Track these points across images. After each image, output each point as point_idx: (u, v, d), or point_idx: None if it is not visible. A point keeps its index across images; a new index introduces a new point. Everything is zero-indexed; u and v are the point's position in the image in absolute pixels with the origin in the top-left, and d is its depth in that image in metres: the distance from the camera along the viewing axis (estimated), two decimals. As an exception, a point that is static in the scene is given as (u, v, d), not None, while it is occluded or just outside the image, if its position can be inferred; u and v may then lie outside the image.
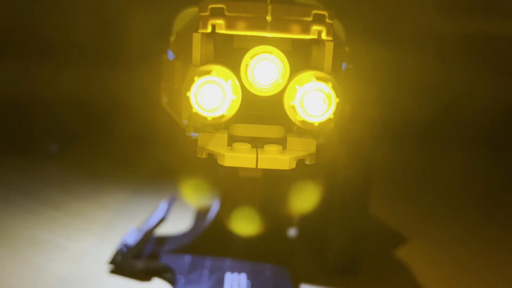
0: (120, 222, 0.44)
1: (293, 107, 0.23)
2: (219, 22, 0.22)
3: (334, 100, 0.23)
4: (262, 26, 0.22)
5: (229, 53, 0.25)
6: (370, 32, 0.71)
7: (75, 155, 0.60)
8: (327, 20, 0.23)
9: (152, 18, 0.79)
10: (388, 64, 0.71)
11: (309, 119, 0.23)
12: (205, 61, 0.25)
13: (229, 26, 0.22)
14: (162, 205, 0.39)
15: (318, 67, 0.24)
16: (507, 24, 0.68)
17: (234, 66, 0.24)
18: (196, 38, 0.25)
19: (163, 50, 0.33)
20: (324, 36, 0.23)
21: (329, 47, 0.24)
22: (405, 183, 0.57)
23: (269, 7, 0.22)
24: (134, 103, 0.68)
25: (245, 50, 0.24)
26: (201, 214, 0.42)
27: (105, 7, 0.80)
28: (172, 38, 0.30)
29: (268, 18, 0.22)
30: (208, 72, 0.23)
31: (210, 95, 0.23)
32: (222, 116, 0.23)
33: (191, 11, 0.31)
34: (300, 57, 0.25)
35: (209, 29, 0.23)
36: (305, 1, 0.27)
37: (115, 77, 0.73)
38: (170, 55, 0.32)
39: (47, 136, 0.62)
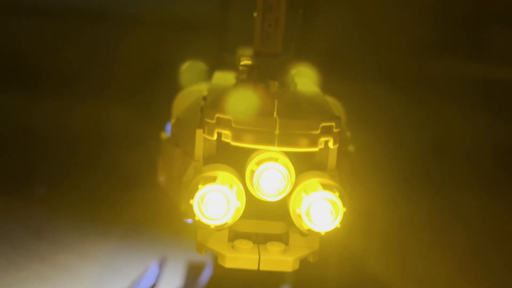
0: (110, 277, 0.43)
1: (299, 215, 0.23)
2: (226, 132, 0.22)
3: (341, 210, 0.23)
4: (270, 140, 0.21)
5: (232, 149, 0.25)
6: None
7: (63, 197, 0.59)
8: (335, 130, 0.23)
9: (145, 52, 0.79)
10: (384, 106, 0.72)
11: (315, 228, 0.23)
12: (207, 155, 0.25)
13: (236, 138, 0.22)
14: (152, 269, 0.39)
15: (322, 166, 0.24)
16: (497, 67, 0.69)
17: (238, 163, 0.24)
18: (199, 134, 0.24)
19: (161, 126, 0.33)
20: (331, 145, 0.23)
21: (334, 152, 0.24)
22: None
23: (278, 122, 0.21)
24: (125, 139, 0.67)
25: (250, 150, 0.23)
26: (193, 278, 0.41)
27: (94, 38, 0.79)
28: (172, 121, 0.30)
29: (276, 132, 0.21)
30: (212, 180, 0.22)
31: (214, 203, 0.22)
32: (225, 223, 0.23)
33: (192, 91, 0.31)
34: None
35: (214, 137, 0.23)
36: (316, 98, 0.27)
37: (105, 112, 0.72)
38: (168, 129, 0.31)
39: (33, 176, 0.61)
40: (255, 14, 0.28)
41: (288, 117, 0.21)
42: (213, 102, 0.23)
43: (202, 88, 0.31)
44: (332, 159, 0.24)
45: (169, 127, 0.31)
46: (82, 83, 0.76)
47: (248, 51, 0.38)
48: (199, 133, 0.24)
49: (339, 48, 0.77)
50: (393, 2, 0.78)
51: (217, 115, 0.22)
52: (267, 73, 0.26)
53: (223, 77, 0.31)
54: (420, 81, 0.74)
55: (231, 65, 0.39)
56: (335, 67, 0.79)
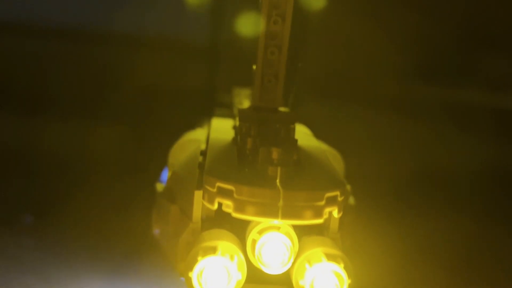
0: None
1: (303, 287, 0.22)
2: (227, 203, 0.21)
3: (347, 281, 0.22)
4: (273, 213, 0.21)
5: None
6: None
7: (52, 226, 0.57)
8: (339, 199, 0.22)
9: (139, 74, 0.78)
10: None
11: (319, 301, 0.22)
12: (206, 217, 0.24)
13: (238, 209, 0.21)
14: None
15: (324, 228, 0.24)
16: (484, 93, 0.70)
17: (238, 227, 0.23)
18: (198, 197, 0.24)
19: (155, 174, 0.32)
20: (335, 214, 0.22)
21: (337, 219, 0.23)
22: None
23: (281, 193, 0.21)
24: (117, 164, 0.66)
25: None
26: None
27: (87, 59, 0.78)
28: (168, 173, 0.29)
29: (280, 204, 0.21)
30: (212, 251, 0.21)
31: (214, 276, 0.22)
32: (226, 296, 0.22)
33: (189, 141, 0.30)
34: None
35: (215, 207, 0.22)
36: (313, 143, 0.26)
37: (96, 135, 0.71)
38: (164, 179, 0.30)
39: (21, 203, 0.59)
40: (254, 67, 0.27)
41: (292, 189, 0.21)
42: (213, 168, 0.23)
43: (200, 138, 0.30)
44: (334, 225, 0.23)
45: (165, 176, 0.30)
46: (71, 104, 0.75)
47: (245, 99, 0.37)
48: (197, 195, 0.23)
49: (330, 75, 0.77)
50: (380, 30, 0.78)
51: (218, 184, 0.21)
52: (268, 136, 0.25)
53: (222, 127, 0.30)
54: (408, 105, 0.74)
55: (228, 105, 0.39)
56: (325, 93, 0.79)
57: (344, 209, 0.27)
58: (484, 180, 0.72)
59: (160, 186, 0.29)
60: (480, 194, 0.70)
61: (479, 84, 0.69)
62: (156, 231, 0.29)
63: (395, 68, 0.75)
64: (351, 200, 0.30)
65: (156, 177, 0.40)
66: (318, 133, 0.82)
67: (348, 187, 0.29)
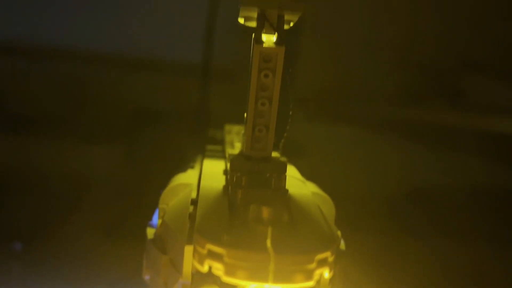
0: None
1: None
2: (217, 266, 0.21)
3: None
4: (264, 277, 0.21)
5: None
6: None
7: (41, 253, 0.56)
8: (330, 259, 0.22)
9: (131, 97, 0.77)
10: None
11: None
12: (196, 272, 0.24)
13: (228, 273, 0.21)
14: None
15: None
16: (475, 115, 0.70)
17: (229, 286, 0.23)
18: (188, 252, 0.23)
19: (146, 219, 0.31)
20: (326, 275, 0.22)
21: (327, 280, 0.23)
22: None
23: (272, 257, 0.20)
24: (108, 187, 0.65)
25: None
26: None
27: (74, 79, 0.78)
28: (159, 221, 0.28)
29: (271, 268, 0.20)
30: (203, 312, 0.21)
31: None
32: None
33: (180, 186, 0.29)
34: None
35: (205, 269, 0.22)
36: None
37: (87, 157, 0.70)
38: (155, 223, 0.30)
39: (9, 228, 0.58)
40: (245, 115, 0.27)
41: (282, 251, 0.21)
42: (204, 226, 0.22)
43: (191, 181, 0.30)
44: (325, 284, 0.23)
45: (155, 219, 0.30)
46: (61, 125, 0.74)
47: (236, 136, 0.37)
48: (188, 250, 0.23)
49: (321, 96, 0.77)
50: (372, 52, 0.79)
51: (208, 246, 0.21)
52: (259, 185, 0.25)
53: (213, 172, 0.30)
54: (398, 126, 0.74)
55: (219, 142, 0.38)
56: (317, 113, 0.79)
57: (334, 259, 0.27)
58: (472, 199, 0.73)
59: (150, 232, 0.29)
60: (469, 213, 0.70)
61: (467, 106, 0.70)
62: (146, 277, 0.29)
63: (385, 89, 0.76)
64: (342, 245, 0.30)
65: (146, 202, 0.40)
66: (310, 152, 0.81)
67: (339, 233, 0.29)
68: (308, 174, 0.79)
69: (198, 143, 0.38)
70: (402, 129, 0.73)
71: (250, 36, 0.26)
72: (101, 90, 0.78)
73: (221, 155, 0.33)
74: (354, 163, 0.80)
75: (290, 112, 0.28)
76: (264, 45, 0.25)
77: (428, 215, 0.69)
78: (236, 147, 0.33)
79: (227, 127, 0.37)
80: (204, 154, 0.34)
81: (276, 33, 0.25)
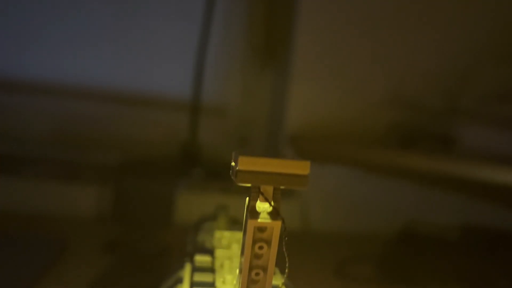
0: None
1: None
2: None
3: None
4: None
5: None
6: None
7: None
8: None
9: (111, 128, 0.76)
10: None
11: None
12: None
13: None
14: None
15: None
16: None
17: None
18: None
19: None
20: None
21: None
22: None
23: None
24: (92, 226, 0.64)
25: None
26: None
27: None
28: None
29: None
30: None
31: None
32: None
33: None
34: None
35: None
36: None
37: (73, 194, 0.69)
38: None
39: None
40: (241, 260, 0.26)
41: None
42: None
43: None
44: None
45: None
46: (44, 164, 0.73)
47: (227, 243, 0.35)
48: None
49: (312, 133, 0.77)
50: (364, 90, 0.78)
51: None
52: None
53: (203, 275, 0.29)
54: (390, 169, 0.74)
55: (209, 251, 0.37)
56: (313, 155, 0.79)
57: None
58: (464, 240, 0.74)
59: None
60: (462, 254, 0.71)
61: (458, 151, 0.70)
62: None
63: (377, 129, 0.75)
64: None
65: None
66: (299, 191, 0.80)
67: None
68: (297, 213, 0.78)
69: (188, 249, 0.37)
70: (392, 171, 0.73)
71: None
72: (87, 127, 0.77)
73: (210, 267, 0.32)
74: (344, 202, 0.80)
75: (286, 238, 0.27)
76: (259, 219, 0.24)
77: (419, 255, 0.70)
78: (226, 279, 0.32)
79: (218, 233, 0.36)
80: (193, 266, 0.33)
81: (271, 206, 0.24)
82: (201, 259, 0.34)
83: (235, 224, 0.41)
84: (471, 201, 0.80)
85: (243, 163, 0.23)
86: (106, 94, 0.81)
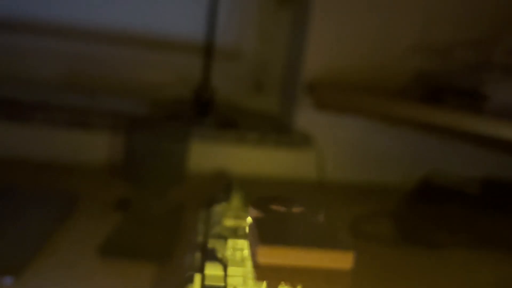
0: None
1: None
2: None
3: None
4: None
5: None
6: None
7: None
8: None
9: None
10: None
11: None
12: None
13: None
14: None
15: None
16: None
17: None
18: None
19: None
20: None
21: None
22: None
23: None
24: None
25: None
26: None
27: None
28: None
29: None
30: None
31: None
32: None
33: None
34: None
35: None
36: None
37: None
38: None
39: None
40: None
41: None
42: None
43: None
44: None
45: None
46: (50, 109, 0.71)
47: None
48: None
49: (331, 81, 0.73)
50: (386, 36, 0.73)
51: None
52: None
53: None
54: (411, 122, 0.71)
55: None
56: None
57: None
58: (484, 193, 0.71)
59: None
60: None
61: (487, 110, 0.66)
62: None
63: (403, 85, 0.71)
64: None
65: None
66: (318, 142, 0.77)
67: None
68: (313, 163, 0.76)
69: (198, 241, 0.34)
70: (413, 125, 0.70)
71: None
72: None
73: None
74: (362, 153, 0.78)
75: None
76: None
77: (437, 207, 0.68)
78: None
79: (230, 242, 0.31)
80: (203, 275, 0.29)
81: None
82: (211, 273, 0.29)
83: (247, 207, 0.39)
84: (494, 155, 0.77)
85: (265, 255, 0.18)
86: (119, 36, 0.77)
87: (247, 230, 0.31)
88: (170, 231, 0.48)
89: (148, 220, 0.49)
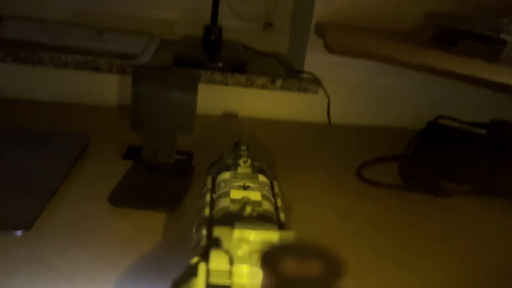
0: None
1: None
2: None
3: None
4: None
5: None
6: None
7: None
8: None
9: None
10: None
11: None
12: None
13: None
14: None
15: None
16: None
17: None
18: None
19: None
20: None
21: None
22: None
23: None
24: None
25: None
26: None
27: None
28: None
29: None
30: None
31: None
32: None
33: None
34: None
35: None
36: None
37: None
38: None
39: None
40: None
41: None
42: None
43: None
44: None
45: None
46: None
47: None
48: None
49: (340, 21, 0.70)
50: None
51: None
52: None
53: None
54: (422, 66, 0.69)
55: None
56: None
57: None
58: (492, 136, 0.71)
59: None
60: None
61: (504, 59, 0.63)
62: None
63: (415, 27, 0.68)
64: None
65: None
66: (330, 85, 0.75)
67: None
68: (322, 105, 0.75)
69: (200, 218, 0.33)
70: (424, 70, 0.68)
71: None
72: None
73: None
74: (370, 95, 0.77)
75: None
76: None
77: (445, 148, 0.68)
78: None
79: (237, 232, 0.28)
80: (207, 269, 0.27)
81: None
82: (216, 267, 0.27)
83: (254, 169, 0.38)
84: (504, 100, 0.76)
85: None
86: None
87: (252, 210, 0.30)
88: (179, 180, 0.49)
89: (157, 169, 0.50)
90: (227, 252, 0.25)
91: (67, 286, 0.35)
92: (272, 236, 0.25)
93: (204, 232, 0.29)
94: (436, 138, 0.69)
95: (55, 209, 0.44)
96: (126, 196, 0.46)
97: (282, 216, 0.32)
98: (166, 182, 0.49)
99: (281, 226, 0.31)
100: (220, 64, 0.71)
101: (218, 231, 0.26)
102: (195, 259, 0.26)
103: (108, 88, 0.71)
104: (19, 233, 0.40)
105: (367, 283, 0.39)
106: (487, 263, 0.44)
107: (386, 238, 0.46)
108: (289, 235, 0.26)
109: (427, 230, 0.49)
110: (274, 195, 0.35)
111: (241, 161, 0.36)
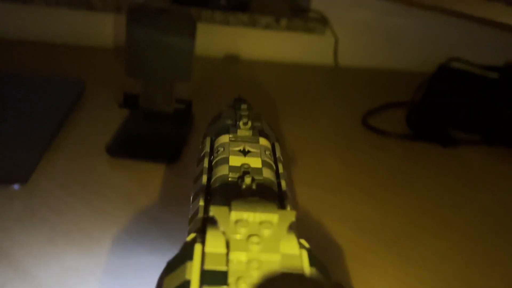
0: None
1: None
2: None
3: None
4: None
5: None
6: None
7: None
8: None
9: None
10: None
11: None
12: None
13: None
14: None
15: None
16: None
17: None
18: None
19: None
20: None
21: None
22: None
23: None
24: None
25: None
26: None
27: None
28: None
29: None
30: None
31: None
32: None
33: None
34: None
35: None
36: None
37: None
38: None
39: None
40: None
41: None
42: None
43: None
44: None
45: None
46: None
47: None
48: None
49: None
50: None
51: None
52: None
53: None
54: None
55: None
56: None
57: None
58: (504, 79, 0.68)
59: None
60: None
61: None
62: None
63: None
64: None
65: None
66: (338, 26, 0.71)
67: None
68: (329, 47, 0.72)
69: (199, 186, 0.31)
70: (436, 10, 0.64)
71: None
72: None
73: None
74: (379, 36, 0.73)
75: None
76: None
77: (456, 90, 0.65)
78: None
79: (234, 214, 0.25)
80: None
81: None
82: (212, 250, 0.24)
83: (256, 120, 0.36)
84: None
85: None
86: None
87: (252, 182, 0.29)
88: (178, 130, 0.47)
89: (155, 118, 0.48)
90: (224, 233, 0.23)
91: (64, 240, 0.34)
92: (272, 217, 0.24)
93: (201, 202, 0.28)
94: (447, 83, 0.67)
95: (52, 161, 0.43)
96: (124, 146, 0.44)
97: (283, 184, 0.31)
98: (165, 132, 0.47)
99: (281, 195, 0.30)
100: (222, 1, 0.67)
101: (214, 211, 0.25)
102: (191, 236, 0.25)
103: (102, 28, 0.68)
104: (16, 186, 0.39)
105: (374, 233, 0.38)
106: (493, 213, 0.43)
107: (392, 189, 0.45)
108: (289, 215, 0.24)
109: (435, 182, 0.47)
110: (275, 160, 0.33)
111: (241, 123, 0.34)
